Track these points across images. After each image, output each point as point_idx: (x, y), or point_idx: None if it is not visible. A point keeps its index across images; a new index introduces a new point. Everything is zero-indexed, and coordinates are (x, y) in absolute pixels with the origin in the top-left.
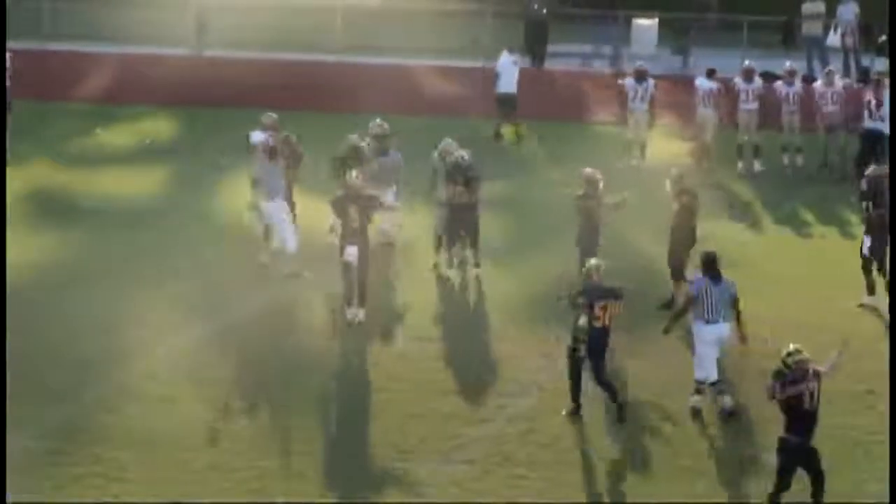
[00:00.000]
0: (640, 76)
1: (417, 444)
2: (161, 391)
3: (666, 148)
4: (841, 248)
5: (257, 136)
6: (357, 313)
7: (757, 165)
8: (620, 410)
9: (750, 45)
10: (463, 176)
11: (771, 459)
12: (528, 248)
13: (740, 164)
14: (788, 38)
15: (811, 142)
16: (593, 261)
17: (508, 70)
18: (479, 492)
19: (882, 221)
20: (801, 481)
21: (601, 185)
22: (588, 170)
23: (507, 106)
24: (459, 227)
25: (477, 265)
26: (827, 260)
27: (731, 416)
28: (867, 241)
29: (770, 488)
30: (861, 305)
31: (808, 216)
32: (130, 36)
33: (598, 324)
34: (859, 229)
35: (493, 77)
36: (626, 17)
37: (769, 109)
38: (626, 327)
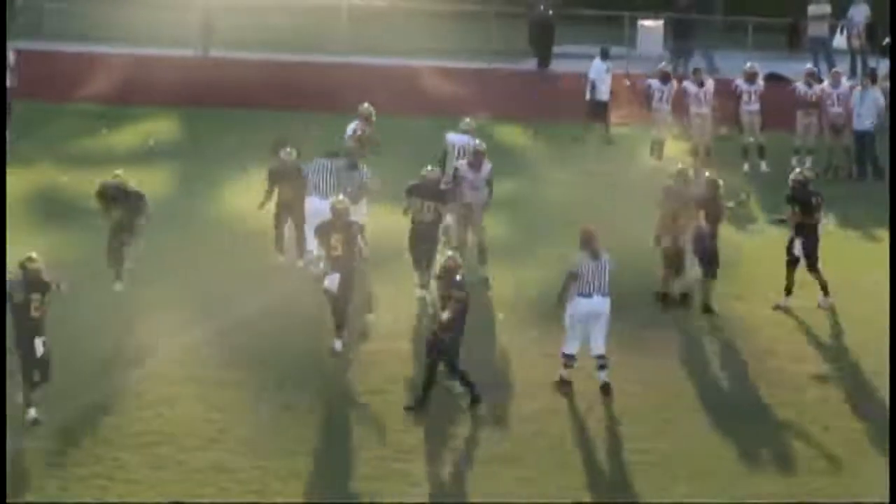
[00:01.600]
0: (665, 77)
1: (418, 444)
2: (161, 391)
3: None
4: (842, 248)
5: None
6: (335, 342)
7: (763, 166)
8: (474, 399)
9: (755, 46)
10: (432, 192)
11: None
12: (531, 249)
13: (746, 165)
14: (794, 39)
15: (817, 143)
16: (449, 252)
17: (602, 77)
18: (483, 493)
19: (815, 226)
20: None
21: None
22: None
23: (598, 111)
24: (420, 246)
25: (423, 286)
26: (826, 260)
27: (605, 392)
28: (798, 243)
29: None
30: (777, 307)
31: None
32: (136, 36)
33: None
34: (861, 230)
35: (586, 83)
36: (631, 18)
37: (780, 111)
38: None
